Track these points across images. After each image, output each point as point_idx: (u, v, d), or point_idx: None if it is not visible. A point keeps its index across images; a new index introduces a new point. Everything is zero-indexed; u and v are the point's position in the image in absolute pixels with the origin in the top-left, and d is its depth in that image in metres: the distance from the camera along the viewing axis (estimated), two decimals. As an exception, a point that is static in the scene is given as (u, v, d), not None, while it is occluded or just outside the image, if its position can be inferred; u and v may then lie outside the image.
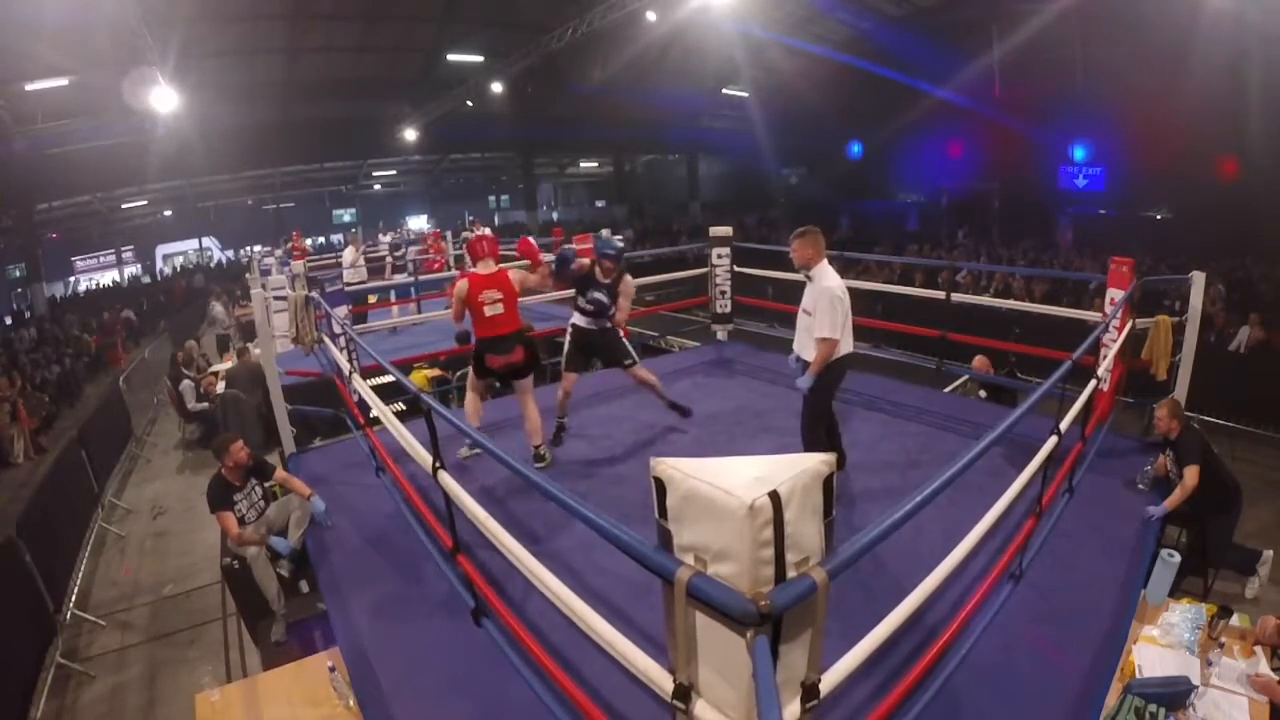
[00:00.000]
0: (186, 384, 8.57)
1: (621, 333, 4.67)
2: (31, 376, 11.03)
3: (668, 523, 1.48)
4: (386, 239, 12.08)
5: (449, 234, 12.61)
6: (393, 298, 9.68)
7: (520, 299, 4.18)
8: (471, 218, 17.87)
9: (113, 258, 23.21)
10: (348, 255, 10.37)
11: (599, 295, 4.46)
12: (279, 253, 11.47)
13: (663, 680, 1.55)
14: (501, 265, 4.19)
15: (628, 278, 4.59)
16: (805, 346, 3.64)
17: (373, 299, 9.57)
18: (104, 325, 15.92)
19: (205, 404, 8.47)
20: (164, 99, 11.77)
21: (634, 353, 4.67)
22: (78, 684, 4.51)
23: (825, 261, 3.56)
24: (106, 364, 13.98)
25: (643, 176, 30.01)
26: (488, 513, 2.40)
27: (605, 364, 5.01)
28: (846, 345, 3.56)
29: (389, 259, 10.82)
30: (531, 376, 4.24)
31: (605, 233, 4.62)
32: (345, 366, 4.56)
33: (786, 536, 1.31)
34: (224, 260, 24.49)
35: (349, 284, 8.95)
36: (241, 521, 3.84)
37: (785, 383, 4.70)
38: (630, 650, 1.68)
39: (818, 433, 3.70)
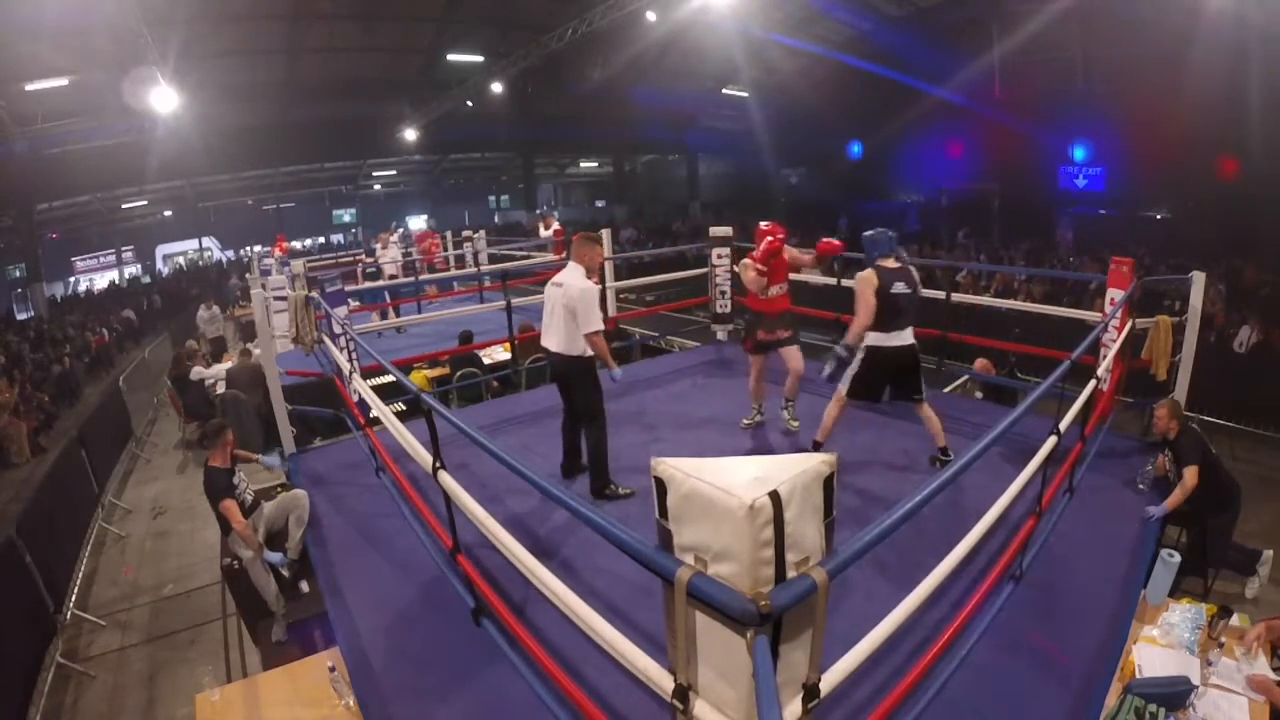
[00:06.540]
0: (197, 369, 8.73)
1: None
2: (31, 376, 11.03)
3: (668, 523, 1.48)
4: (394, 239, 11.97)
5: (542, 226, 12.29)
6: (387, 298, 9.68)
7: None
8: (540, 211, 17.45)
9: (113, 258, 23.24)
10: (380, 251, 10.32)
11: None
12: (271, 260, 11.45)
13: (663, 680, 1.55)
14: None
15: (859, 275, 3.97)
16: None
17: (354, 303, 9.49)
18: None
19: (209, 373, 8.65)
20: (164, 99, 11.77)
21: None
22: (78, 684, 4.50)
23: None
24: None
25: (643, 176, 29.98)
26: (488, 512, 2.40)
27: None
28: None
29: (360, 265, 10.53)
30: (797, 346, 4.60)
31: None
32: (345, 366, 4.56)
33: (787, 536, 1.30)
34: (224, 260, 24.50)
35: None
36: (242, 506, 3.84)
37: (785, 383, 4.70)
38: (630, 650, 1.68)
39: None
